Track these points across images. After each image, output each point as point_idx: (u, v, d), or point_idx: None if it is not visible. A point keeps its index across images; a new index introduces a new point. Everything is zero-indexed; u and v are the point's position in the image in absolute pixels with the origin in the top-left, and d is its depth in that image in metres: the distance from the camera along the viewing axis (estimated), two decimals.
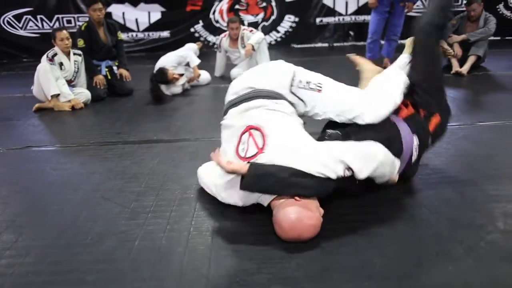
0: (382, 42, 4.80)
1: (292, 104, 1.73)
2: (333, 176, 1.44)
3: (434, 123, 1.77)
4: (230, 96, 1.81)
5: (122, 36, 4.13)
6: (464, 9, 4.49)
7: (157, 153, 2.39)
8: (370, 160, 1.49)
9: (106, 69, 3.97)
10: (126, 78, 3.98)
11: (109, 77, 3.94)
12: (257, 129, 1.60)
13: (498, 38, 6.80)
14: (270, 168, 1.44)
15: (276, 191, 1.46)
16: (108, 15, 6.62)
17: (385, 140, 1.56)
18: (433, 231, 1.49)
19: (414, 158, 1.70)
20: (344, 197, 1.68)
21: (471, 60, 4.30)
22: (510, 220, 1.53)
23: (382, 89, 1.75)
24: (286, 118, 1.66)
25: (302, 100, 1.73)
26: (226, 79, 4.49)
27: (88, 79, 3.83)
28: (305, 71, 1.79)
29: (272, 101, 1.68)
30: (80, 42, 3.78)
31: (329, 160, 1.45)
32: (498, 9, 6.87)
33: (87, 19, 4.03)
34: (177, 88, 3.92)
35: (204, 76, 4.38)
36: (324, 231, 1.44)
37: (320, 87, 1.72)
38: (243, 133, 1.62)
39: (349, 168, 1.45)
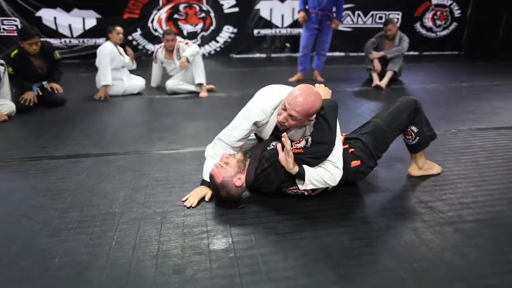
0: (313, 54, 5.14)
1: None
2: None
3: (355, 163, 1.95)
4: None
5: (58, 55, 3.98)
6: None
7: (84, 167, 2.40)
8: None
9: (38, 88, 3.83)
10: (58, 90, 3.87)
11: (41, 93, 3.80)
12: None
13: (416, 53, 7.57)
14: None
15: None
16: (38, 19, 6.34)
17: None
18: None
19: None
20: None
21: (388, 75, 4.76)
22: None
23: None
24: None
25: None
26: (162, 89, 4.54)
27: (15, 91, 3.67)
28: None
29: None
30: (9, 69, 3.57)
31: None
32: (415, 28, 7.62)
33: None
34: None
35: (139, 82, 4.44)
36: None
37: None
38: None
39: None
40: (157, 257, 1.54)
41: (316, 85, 2.01)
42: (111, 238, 1.66)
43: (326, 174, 1.79)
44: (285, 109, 1.80)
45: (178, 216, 1.84)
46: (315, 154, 1.77)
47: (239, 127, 1.96)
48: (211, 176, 1.89)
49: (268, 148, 1.91)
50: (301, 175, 1.77)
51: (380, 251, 1.58)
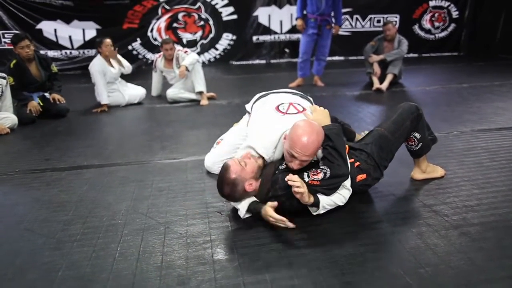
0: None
1: None
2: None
3: (360, 177, 1.93)
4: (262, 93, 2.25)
5: (56, 69, 4.04)
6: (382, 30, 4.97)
7: (86, 179, 2.40)
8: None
9: (39, 98, 3.88)
10: (60, 101, 3.90)
11: (42, 103, 3.84)
12: (298, 104, 2.03)
13: (416, 55, 7.58)
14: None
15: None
16: (39, 32, 6.40)
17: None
18: None
19: None
20: None
21: (388, 78, 4.76)
22: None
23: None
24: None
25: None
26: (162, 98, 4.55)
27: (17, 104, 3.73)
28: None
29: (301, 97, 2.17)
30: (10, 80, 3.65)
31: None
32: (414, 30, 7.64)
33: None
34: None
35: (139, 92, 4.45)
36: None
37: None
38: (283, 103, 2.02)
39: None
40: (161, 268, 1.53)
41: (311, 107, 2.00)
42: (114, 250, 1.66)
43: (338, 197, 1.78)
44: (294, 157, 1.72)
45: (181, 226, 1.83)
46: (331, 186, 1.73)
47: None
48: (225, 167, 1.78)
49: (280, 167, 1.84)
50: (316, 204, 1.75)
51: (385, 257, 1.56)
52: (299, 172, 1.73)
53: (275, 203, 1.73)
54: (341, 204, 1.81)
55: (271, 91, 2.26)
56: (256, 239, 1.70)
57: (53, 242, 1.73)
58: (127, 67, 4.38)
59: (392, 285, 1.40)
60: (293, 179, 1.65)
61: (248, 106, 2.30)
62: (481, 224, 1.76)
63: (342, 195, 1.79)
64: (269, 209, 1.72)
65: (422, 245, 1.63)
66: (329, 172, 1.70)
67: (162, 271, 1.51)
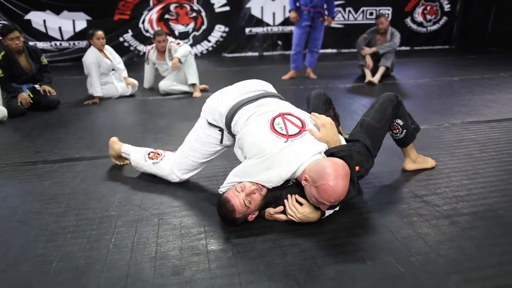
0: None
1: None
2: None
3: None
4: (236, 97, 1.89)
5: (46, 60, 3.99)
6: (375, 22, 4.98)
7: (79, 171, 2.38)
8: None
9: (29, 90, 3.83)
10: (51, 92, 3.85)
11: (32, 95, 3.79)
12: (290, 115, 1.78)
13: (408, 48, 7.62)
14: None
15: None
16: (28, 22, 6.29)
17: None
18: None
19: None
20: None
21: (381, 70, 4.79)
22: None
23: None
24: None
25: None
26: (155, 90, 4.52)
27: (6, 96, 3.67)
28: None
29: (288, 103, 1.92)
30: None
31: None
32: (406, 23, 7.67)
33: None
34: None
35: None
36: None
37: None
38: (275, 117, 1.75)
39: None
40: (156, 259, 1.54)
41: (315, 120, 1.76)
42: (108, 241, 1.66)
43: None
44: (325, 204, 1.60)
45: (175, 217, 1.84)
46: (336, 206, 1.73)
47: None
48: (227, 204, 1.66)
49: (287, 185, 1.76)
50: (322, 215, 1.75)
51: (377, 246, 1.59)
52: (304, 193, 1.67)
53: (280, 208, 1.73)
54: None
55: (230, 91, 1.98)
56: (250, 230, 1.71)
57: (46, 234, 1.72)
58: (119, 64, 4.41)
59: (384, 273, 1.43)
60: (280, 218, 1.70)
61: (215, 118, 1.91)
62: (470, 214, 1.80)
63: None
64: (270, 208, 1.74)
65: (413, 234, 1.66)
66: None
67: (156, 261, 1.52)
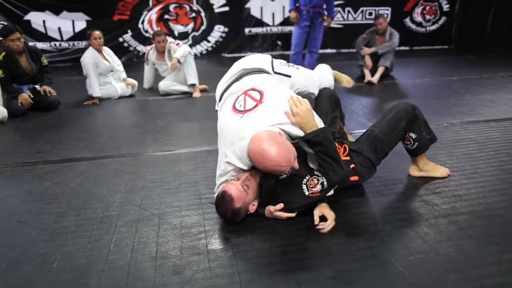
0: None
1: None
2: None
3: (353, 178, 1.91)
4: (223, 83, 1.97)
5: (46, 61, 4.01)
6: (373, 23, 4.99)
7: (79, 171, 2.39)
8: None
9: (29, 90, 3.84)
10: (51, 92, 3.86)
11: (32, 96, 3.80)
12: (252, 89, 1.77)
13: (407, 48, 7.63)
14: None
15: None
16: (27, 23, 6.28)
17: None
18: None
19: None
20: None
21: (380, 70, 4.80)
22: None
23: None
24: (277, 81, 1.94)
25: (286, 75, 2.04)
26: (155, 91, 4.53)
27: (7, 96, 3.68)
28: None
29: (265, 74, 1.93)
30: None
31: None
32: (405, 23, 7.68)
33: None
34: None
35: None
36: None
37: (297, 67, 2.14)
38: (239, 96, 1.77)
39: None
40: (156, 258, 1.55)
41: (293, 109, 1.69)
42: (109, 241, 1.67)
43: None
44: (277, 171, 1.59)
45: (175, 217, 1.84)
46: (332, 190, 1.74)
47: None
48: (225, 195, 1.65)
49: (281, 177, 1.74)
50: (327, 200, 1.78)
51: (376, 246, 1.60)
52: (297, 187, 1.68)
53: (280, 205, 1.73)
54: None
55: (225, 75, 2.02)
56: (250, 230, 1.72)
57: (47, 234, 1.73)
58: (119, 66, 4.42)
59: (383, 272, 1.43)
60: (281, 216, 1.72)
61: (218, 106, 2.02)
62: (469, 213, 1.81)
63: None
64: (270, 206, 1.75)
65: (412, 233, 1.67)
66: (326, 182, 1.66)
67: (157, 261, 1.53)
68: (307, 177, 1.68)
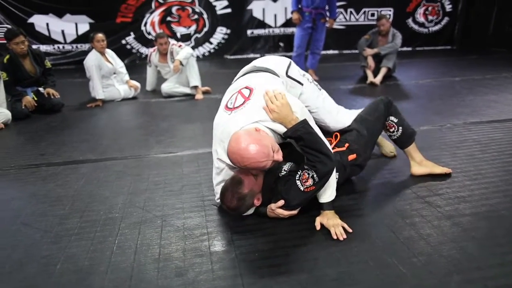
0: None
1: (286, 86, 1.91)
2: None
3: (351, 157, 1.95)
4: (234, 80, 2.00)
5: (49, 64, 4.03)
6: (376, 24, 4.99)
7: (83, 174, 2.40)
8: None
9: (33, 93, 3.87)
10: (54, 95, 3.89)
11: (36, 98, 3.83)
12: (246, 87, 1.77)
13: (409, 48, 7.61)
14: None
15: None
16: (31, 26, 6.33)
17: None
18: None
19: None
20: None
21: (383, 71, 4.79)
22: None
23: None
24: (276, 82, 1.84)
25: (299, 82, 1.96)
26: (157, 93, 4.54)
27: (11, 99, 3.71)
28: None
29: (267, 73, 1.88)
30: (3, 75, 3.63)
31: None
32: (408, 23, 7.66)
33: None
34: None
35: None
36: None
37: (319, 87, 2.09)
38: (234, 94, 1.78)
39: None
40: (159, 260, 1.55)
41: (269, 105, 1.66)
42: (112, 243, 1.67)
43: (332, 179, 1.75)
44: (257, 168, 1.59)
45: (178, 219, 1.85)
46: (325, 183, 1.71)
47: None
48: (237, 180, 1.66)
49: (280, 175, 1.76)
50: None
51: (379, 247, 1.59)
52: (293, 184, 1.68)
53: (281, 202, 1.73)
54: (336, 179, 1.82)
55: (242, 72, 2.00)
56: (252, 232, 1.72)
57: (51, 236, 1.74)
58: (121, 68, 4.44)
59: (386, 274, 1.43)
60: (282, 214, 1.72)
61: None
62: (472, 215, 1.80)
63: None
64: (271, 204, 1.75)
65: (415, 235, 1.66)
66: (316, 175, 1.65)
67: (160, 263, 1.53)
68: (299, 172, 1.69)
